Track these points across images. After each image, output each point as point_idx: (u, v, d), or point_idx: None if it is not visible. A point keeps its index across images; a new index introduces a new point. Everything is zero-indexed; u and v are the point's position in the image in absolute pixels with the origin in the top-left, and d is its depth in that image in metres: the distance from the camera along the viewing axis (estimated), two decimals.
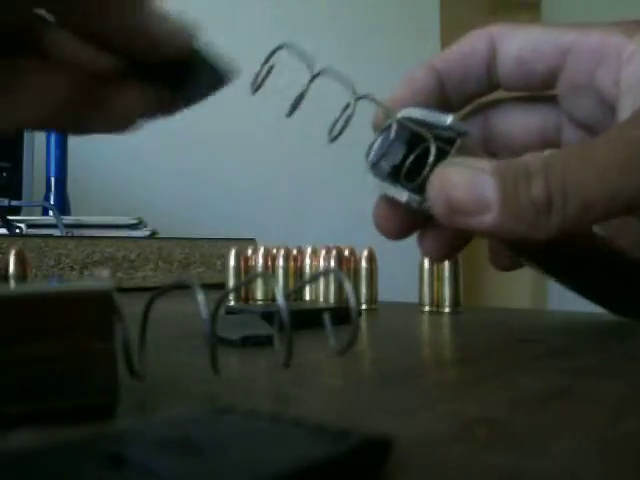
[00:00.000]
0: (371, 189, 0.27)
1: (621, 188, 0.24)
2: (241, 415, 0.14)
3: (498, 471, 0.13)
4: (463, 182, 0.24)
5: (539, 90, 0.30)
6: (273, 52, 0.26)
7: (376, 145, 0.28)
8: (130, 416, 0.17)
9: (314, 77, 0.26)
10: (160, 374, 0.21)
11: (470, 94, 0.31)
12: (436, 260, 0.32)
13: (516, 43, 0.29)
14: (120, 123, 0.25)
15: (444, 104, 0.30)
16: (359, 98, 0.27)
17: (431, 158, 0.26)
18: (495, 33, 0.30)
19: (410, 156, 0.27)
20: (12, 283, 0.42)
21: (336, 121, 0.27)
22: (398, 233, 0.29)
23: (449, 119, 0.26)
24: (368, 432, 0.12)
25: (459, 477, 0.13)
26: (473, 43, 0.30)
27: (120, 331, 0.17)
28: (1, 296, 0.16)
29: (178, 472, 0.11)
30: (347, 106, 0.27)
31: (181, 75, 0.24)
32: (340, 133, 0.27)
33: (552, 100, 0.31)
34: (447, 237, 0.30)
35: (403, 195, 0.26)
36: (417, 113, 0.27)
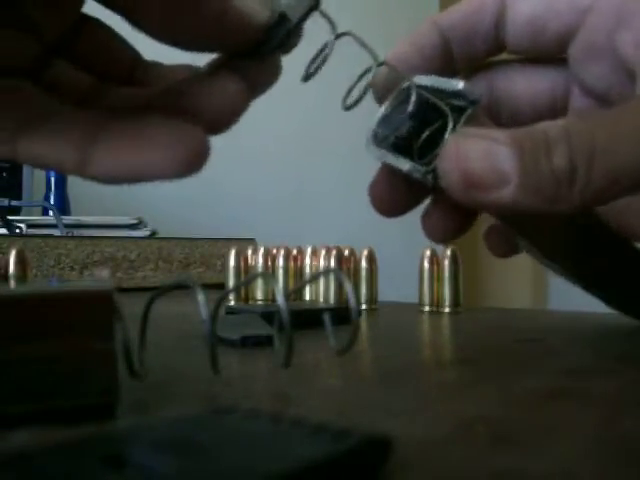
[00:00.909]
0: (372, 157, 0.26)
1: None
2: (241, 415, 0.14)
3: (497, 470, 0.13)
4: (479, 154, 0.23)
5: (549, 53, 0.29)
6: (326, 46, 0.25)
7: (381, 113, 0.26)
8: (130, 416, 0.17)
9: (338, 36, 0.25)
10: (160, 374, 0.21)
11: (476, 54, 0.29)
12: (439, 241, 0.30)
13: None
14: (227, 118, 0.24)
15: (448, 63, 0.29)
16: (380, 64, 0.26)
17: (447, 135, 0.24)
18: None
19: (423, 128, 0.25)
20: (12, 283, 0.42)
21: (352, 88, 0.26)
22: (393, 208, 0.28)
23: (460, 84, 0.24)
24: (368, 432, 0.12)
25: (458, 476, 0.13)
26: None
27: (120, 331, 0.17)
28: (1, 296, 0.16)
29: (178, 472, 0.11)
30: (366, 72, 0.26)
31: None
32: (357, 102, 0.25)
33: (561, 64, 0.29)
34: (452, 216, 0.28)
35: (405, 164, 0.25)
36: (426, 80, 0.25)
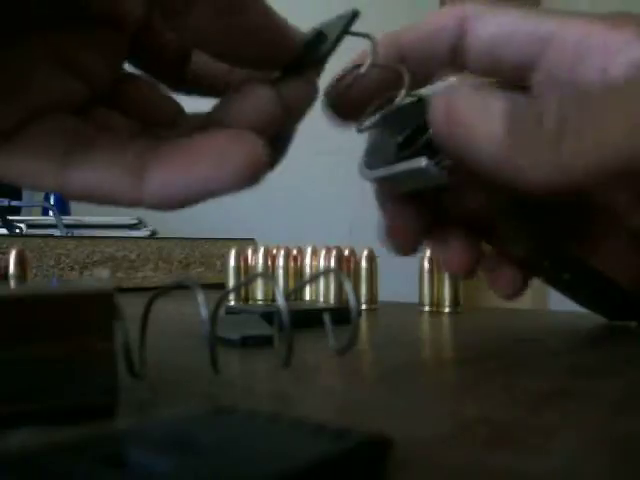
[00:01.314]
0: (373, 178, 0.26)
1: None
2: (241, 415, 0.14)
3: (498, 470, 0.13)
4: (469, 98, 0.22)
5: (511, 81, 0.28)
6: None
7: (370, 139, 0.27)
8: (130, 416, 0.17)
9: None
10: (160, 374, 0.21)
11: (432, 74, 0.29)
12: (466, 273, 0.30)
13: (490, 26, 0.27)
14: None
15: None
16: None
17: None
18: (468, 12, 0.27)
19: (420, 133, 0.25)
20: (12, 283, 0.42)
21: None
22: (414, 242, 0.28)
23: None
24: (368, 432, 0.12)
25: (459, 476, 0.13)
26: (442, 21, 0.28)
27: (120, 331, 0.18)
28: (1, 296, 0.16)
29: (178, 472, 0.11)
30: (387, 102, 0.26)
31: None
32: (371, 126, 0.26)
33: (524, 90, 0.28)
34: (471, 242, 0.28)
35: (421, 161, 0.24)
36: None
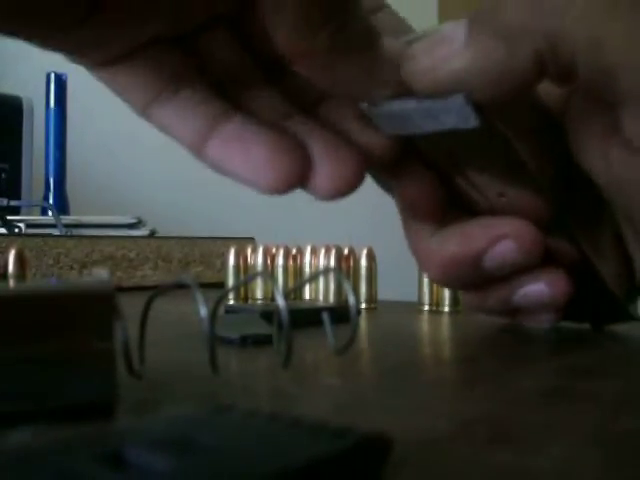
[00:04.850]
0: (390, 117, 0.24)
1: (608, 29, 0.21)
2: (240, 414, 0.14)
3: (498, 469, 0.13)
4: (426, 42, 0.23)
5: None
6: None
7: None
8: (129, 415, 0.17)
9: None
10: (159, 373, 0.21)
11: None
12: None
13: None
14: None
15: None
16: None
17: None
18: None
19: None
20: (11, 282, 0.42)
21: None
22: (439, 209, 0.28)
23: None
24: (367, 431, 0.12)
25: (458, 476, 0.13)
26: None
27: (119, 330, 0.17)
28: (1, 296, 0.16)
29: (177, 471, 0.11)
30: None
31: None
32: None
33: None
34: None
35: (459, 98, 0.23)
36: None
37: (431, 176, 0.28)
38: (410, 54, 0.23)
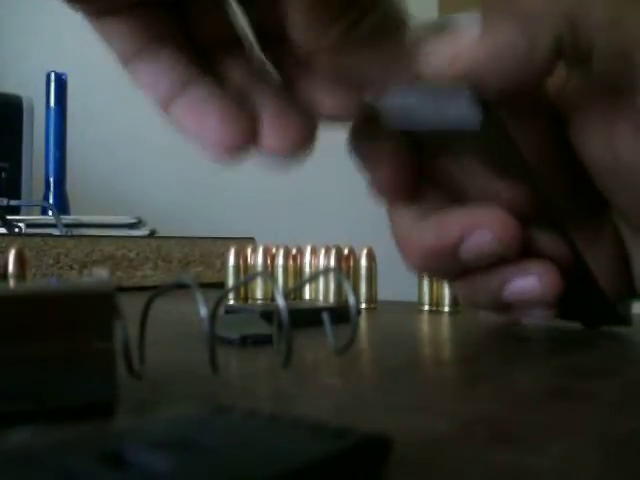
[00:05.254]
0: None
1: (629, 9, 0.21)
2: (240, 414, 0.14)
3: (498, 469, 0.13)
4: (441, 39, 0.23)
5: None
6: None
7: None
8: (129, 415, 0.17)
9: None
10: (159, 373, 0.21)
11: None
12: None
13: None
14: None
15: None
16: None
17: None
18: None
19: None
20: (11, 282, 0.42)
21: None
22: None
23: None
24: (367, 431, 0.12)
25: (459, 476, 0.13)
26: None
27: (119, 330, 0.17)
28: (1, 296, 0.16)
29: (177, 471, 0.11)
30: None
31: None
32: None
33: None
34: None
35: (464, 94, 0.23)
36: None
37: (404, 155, 0.28)
38: (426, 48, 0.23)
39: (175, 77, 0.25)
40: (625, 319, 0.31)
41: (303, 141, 0.25)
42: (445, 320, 0.40)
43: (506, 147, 0.26)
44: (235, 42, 0.26)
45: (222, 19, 0.25)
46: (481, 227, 0.27)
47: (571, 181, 0.28)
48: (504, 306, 0.30)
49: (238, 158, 0.25)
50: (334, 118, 0.25)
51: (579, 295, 0.29)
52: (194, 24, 0.25)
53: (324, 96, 0.25)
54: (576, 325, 0.33)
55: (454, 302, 0.43)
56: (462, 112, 0.23)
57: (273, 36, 0.25)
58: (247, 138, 0.24)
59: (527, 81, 0.22)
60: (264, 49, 0.26)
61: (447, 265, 0.28)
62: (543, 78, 0.24)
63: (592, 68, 0.23)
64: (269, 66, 0.26)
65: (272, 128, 0.24)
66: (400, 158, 0.27)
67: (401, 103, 0.24)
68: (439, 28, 0.23)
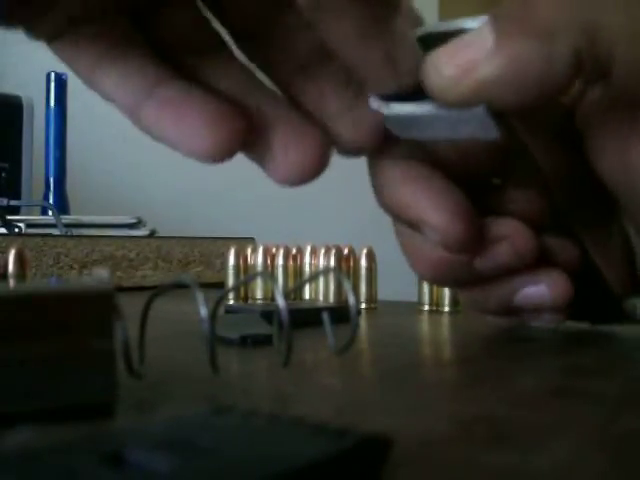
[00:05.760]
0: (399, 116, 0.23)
1: None
2: (240, 414, 0.14)
3: (498, 469, 0.13)
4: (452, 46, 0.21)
5: None
6: None
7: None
8: (129, 415, 0.17)
9: None
10: (159, 373, 0.21)
11: None
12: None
13: None
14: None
15: None
16: None
17: None
18: None
19: None
20: (11, 282, 0.42)
21: None
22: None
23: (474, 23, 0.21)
24: (367, 431, 0.12)
25: (459, 476, 0.13)
26: None
27: (119, 330, 0.17)
28: (1, 295, 0.16)
29: (176, 471, 0.11)
30: None
31: None
32: None
33: None
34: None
35: (480, 108, 0.21)
36: (438, 27, 0.22)
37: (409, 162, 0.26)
38: (432, 62, 0.21)
39: (142, 80, 0.22)
40: (633, 317, 0.31)
41: (317, 169, 0.23)
42: (445, 320, 0.40)
43: (519, 155, 0.26)
44: (215, 46, 0.24)
45: (198, 22, 0.23)
46: (499, 239, 0.27)
47: (583, 187, 0.28)
48: (514, 310, 0.30)
49: (223, 161, 0.22)
50: (351, 145, 0.24)
51: (588, 295, 0.29)
52: (163, 28, 0.23)
53: (347, 128, 0.23)
54: (584, 325, 0.33)
55: (454, 302, 0.43)
56: (478, 124, 0.22)
57: (253, 36, 0.23)
58: (238, 143, 0.22)
59: (544, 96, 0.21)
60: (252, 57, 0.24)
61: (459, 275, 0.28)
62: (562, 93, 0.23)
63: (611, 83, 0.22)
64: (262, 75, 0.24)
65: (287, 154, 0.22)
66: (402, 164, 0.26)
67: (411, 112, 0.23)
68: (444, 35, 0.22)
